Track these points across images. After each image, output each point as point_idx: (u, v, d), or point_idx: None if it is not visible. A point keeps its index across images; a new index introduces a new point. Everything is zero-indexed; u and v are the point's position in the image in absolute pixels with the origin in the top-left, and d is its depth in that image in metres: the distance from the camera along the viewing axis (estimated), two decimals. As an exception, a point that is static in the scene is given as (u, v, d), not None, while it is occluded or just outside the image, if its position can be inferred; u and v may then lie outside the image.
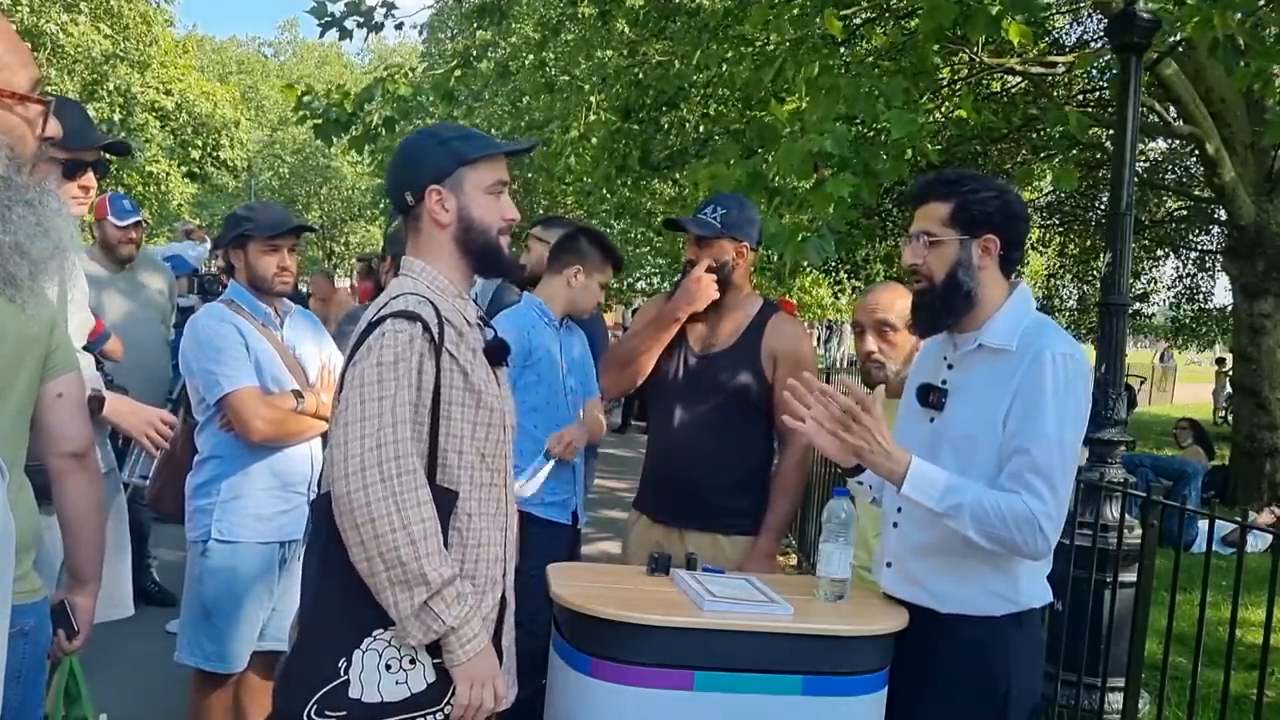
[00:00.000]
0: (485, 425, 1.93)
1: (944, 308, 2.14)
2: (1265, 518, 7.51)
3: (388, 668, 1.81)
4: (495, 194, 1.96)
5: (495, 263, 2.01)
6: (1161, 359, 27.59)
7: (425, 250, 1.97)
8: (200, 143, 23.14)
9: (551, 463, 3.04)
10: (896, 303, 2.74)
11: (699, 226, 2.96)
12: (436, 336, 1.87)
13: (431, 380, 1.86)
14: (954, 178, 2.18)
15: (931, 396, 2.17)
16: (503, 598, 1.99)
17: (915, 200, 2.21)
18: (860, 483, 2.29)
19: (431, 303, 1.90)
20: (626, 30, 8.91)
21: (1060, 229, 14.73)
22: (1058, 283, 17.33)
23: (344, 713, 1.79)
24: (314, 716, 1.79)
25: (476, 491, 1.93)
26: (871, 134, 6.08)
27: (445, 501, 1.87)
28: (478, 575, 1.92)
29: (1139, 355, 30.05)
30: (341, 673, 1.80)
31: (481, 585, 1.93)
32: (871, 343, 2.81)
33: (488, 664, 1.85)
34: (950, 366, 2.19)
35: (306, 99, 6.98)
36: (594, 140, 8.71)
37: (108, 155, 2.72)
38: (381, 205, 25.19)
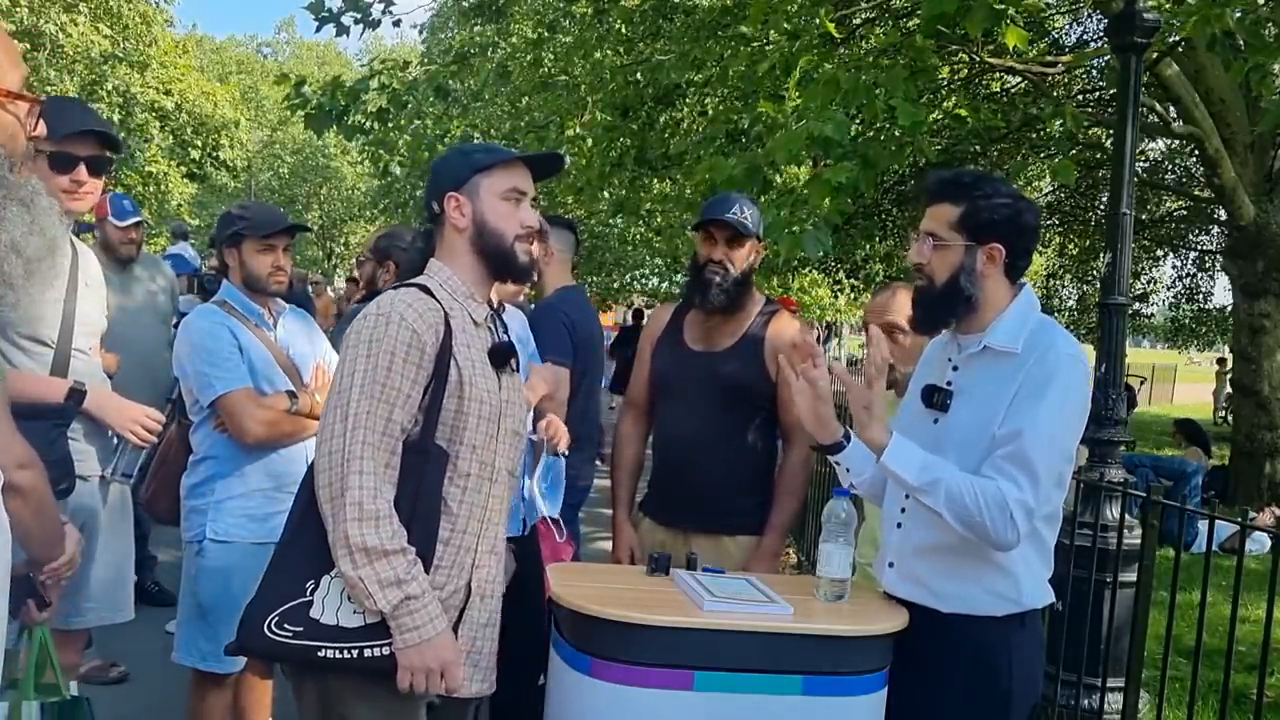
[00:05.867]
0: (476, 417, 1.97)
1: (942, 308, 2.14)
2: (1265, 518, 7.50)
3: (349, 597, 1.86)
4: (511, 200, 2.04)
5: (507, 266, 2.07)
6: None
7: (445, 255, 2.07)
8: (200, 143, 23.15)
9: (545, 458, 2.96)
10: (906, 305, 2.73)
11: (740, 226, 2.90)
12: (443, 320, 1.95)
13: (434, 352, 1.92)
14: (969, 180, 2.15)
15: (936, 397, 2.16)
16: (469, 587, 1.99)
17: (927, 198, 2.18)
18: (838, 463, 2.28)
19: (435, 297, 1.97)
20: (623, 29, 8.90)
21: (1060, 229, 14.71)
22: (1057, 283, 17.31)
23: (300, 628, 1.86)
24: (273, 628, 1.86)
25: (460, 479, 1.97)
26: (871, 133, 6.05)
27: (439, 461, 1.93)
28: (444, 559, 1.94)
29: (1139, 355, 29.98)
30: (307, 593, 1.87)
31: (446, 569, 1.95)
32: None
33: (433, 655, 1.86)
34: (955, 368, 2.18)
35: (299, 88, 7.00)
36: (590, 139, 8.70)
37: (109, 153, 2.70)
38: (381, 205, 25.15)
